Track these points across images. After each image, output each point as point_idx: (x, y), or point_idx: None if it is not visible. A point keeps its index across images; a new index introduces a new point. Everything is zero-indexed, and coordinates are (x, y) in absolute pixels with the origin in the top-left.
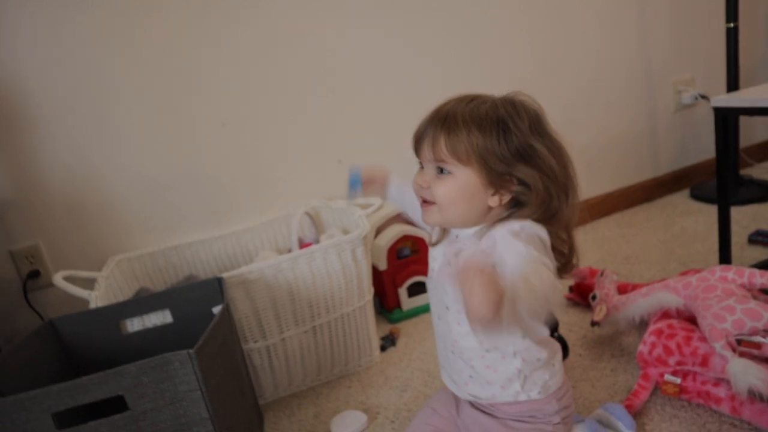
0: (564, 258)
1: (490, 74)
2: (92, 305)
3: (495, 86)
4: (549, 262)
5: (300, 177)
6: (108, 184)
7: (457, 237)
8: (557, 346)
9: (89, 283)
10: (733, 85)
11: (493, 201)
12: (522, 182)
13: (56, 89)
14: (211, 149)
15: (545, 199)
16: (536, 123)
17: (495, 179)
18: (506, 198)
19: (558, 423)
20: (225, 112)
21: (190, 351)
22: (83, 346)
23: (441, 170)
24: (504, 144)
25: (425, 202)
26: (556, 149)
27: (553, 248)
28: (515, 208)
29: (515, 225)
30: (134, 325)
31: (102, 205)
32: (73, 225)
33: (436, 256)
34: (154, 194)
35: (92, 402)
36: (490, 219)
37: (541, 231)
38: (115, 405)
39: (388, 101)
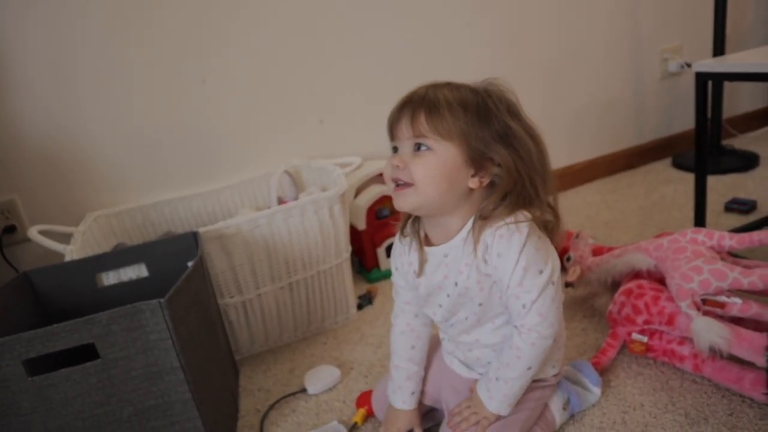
0: (548, 231)
1: (475, 36)
2: (68, 259)
3: (479, 48)
4: (548, 260)
5: (281, 136)
6: (87, 140)
7: (446, 256)
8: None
9: (66, 239)
10: (719, 53)
11: (473, 183)
12: (500, 164)
13: (34, 44)
14: (191, 106)
15: (518, 182)
16: (512, 106)
17: (476, 157)
18: (486, 180)
19: (553, 384)
20: (206, 69)
21: (161, 300)
22: (58, 299)
23: (419, 147)
24: (485, 123)
25: (398, 187)
26: (533, 132)
27: (538, 220)
28: (497, 197)
29: (502, 227)
30: (110, 278)
31: (81, 161)
32: (50, 180)
33: (432, 291)
34: (133, 150)
35: (64, 350)
36: (469, 207)
37: (525, 227)
38: (87, 354)
39: (371, 63)
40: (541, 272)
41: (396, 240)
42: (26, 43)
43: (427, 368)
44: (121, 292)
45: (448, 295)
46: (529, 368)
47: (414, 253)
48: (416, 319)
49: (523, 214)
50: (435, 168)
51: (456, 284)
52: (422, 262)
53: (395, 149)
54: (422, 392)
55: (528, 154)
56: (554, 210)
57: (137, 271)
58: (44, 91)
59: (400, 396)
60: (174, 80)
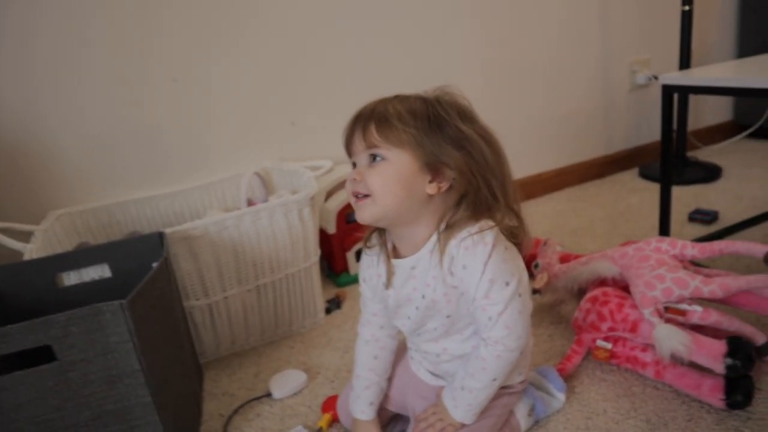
0: (514, 237)
1: (448, 46)
2: (27, 258)
3: (451, 57)
4: (515, 271)
5: (253, 138)
6: (51, 136)
7: (413, 268)
8: None
9: (26, 237)
10: (685, 66)
11: (431, 188)
12: (454, 167)
13: (5, 33)
14: (162, 105)
15: (473, 184)
16: (464, 111)
17: (430, 162)
18: (444, 186)
19: (519, 391)
20: (177, 68)
21: (123, 301)
22: (16, 299)
23: (374, 158)
24: (436, 127)
25: (358, 199)
26: (487, 135)
27: (503, 227)
28: (453, 200)
29: (467, 239)
30: (71, 278)
31: (44, 157)
32: (11, 177)
33: (401, 303)
34: (100, 148)
35: (20, 352)
36: (431, 215)
37: (490, 237)
38: (43, 356)
39: (345, 67)
40: (507, 284)
41: (363, 252)
42: (4, 35)
43: (392, 374)
44: (82, 293)
45: (416, 308)
46: (495, 379)
47: (382, 265)
48: (382, 330)
49: (487, 223)
50: (390, 176)
51: (423, 297)
52: (390, 275)
53: (354, 165)
54: (387, 397)
55: (482, 156)
56: (518, 215)
57: (100, 272)
58: (6, 87)
59: (359, 405)
60: (144, 78)
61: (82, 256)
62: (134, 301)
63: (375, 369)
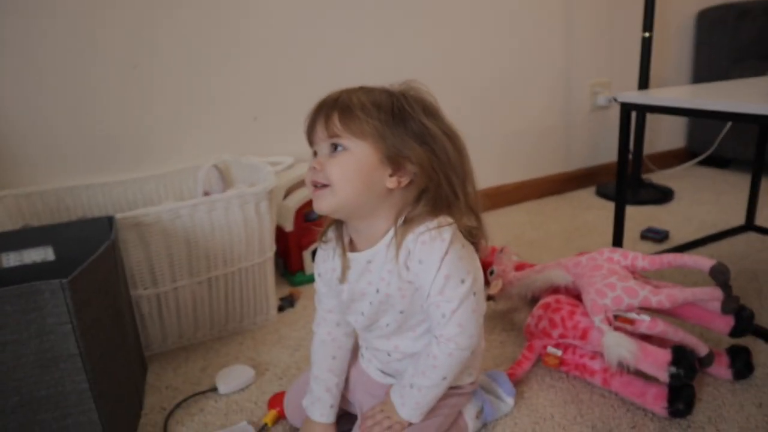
0: (472, 238)
1: (404, 51)
2: None
3: (407, 62)
4: (470, 269)
5: (213, 130)
6: (3, 114)
7: (369, 262)
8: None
9: None
10: (643, 89)
11: (391, 182)
12: (416, 162)
13: None
14: (121, 90)
15: (433, 179)
16: (429, 106)
17: (391, 155)
18: (405, 181)
19: (469, 392)
20: (138, 54)
21: (63, 281)
22: None
23: (335, 148)
24: (400, 121)
25: (316, 189)
26: (452, 133)
27: (461, 226)
28: (412, 195)
29: (425, 233)
30: (10, 259)
31: None
32: None
33: (355, 298)
34: (50, 130)
35: None
36: (390, 209)
37: (448, 233)
38: None
39: (309, 64)
40: (462, 281)
41: (318, 245)
42: None
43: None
44: (22, 276)
45: (370, 303)
46: (444, 378)
47: (337, 259)
48: (338, 328)
49: (446, 219)
50: (350, 167)
51: (378, 291)
52: (345, 268)
53: (315, 154)
54: None
55: (444, 152)
56: (477, 215)
57: (42, 254)
58: None
59: (318, 408)
60: (104, 62)
61: (24, 237)
62: (76, 282)
63: (334, 369)
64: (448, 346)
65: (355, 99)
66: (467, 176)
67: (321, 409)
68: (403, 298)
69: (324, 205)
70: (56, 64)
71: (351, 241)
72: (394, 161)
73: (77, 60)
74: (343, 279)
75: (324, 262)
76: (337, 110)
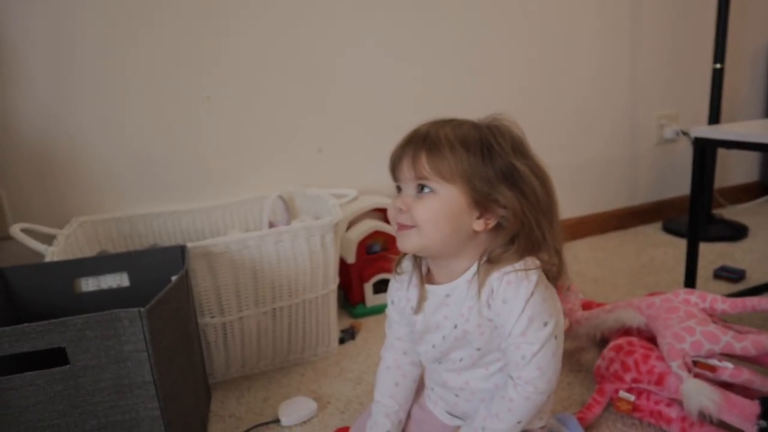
0: (551, 277)
1: (483, 81)
2: (47, 260)
3: (482, 103)
4: (553, 312)
5: (278, 161)
6: (82, 142)
7: (448, 296)
8: None
9: (48, 240)
10: (714, 122)
11: (479, 225)
12: (505, 206)
13: (36, 38)
14: (193, 120)
15: (525, 224)
16: (518, 144)
17: (480, 199)
18: (492, 223)
19: None
20: (211, 86)
21: (141, 309)
22: (33, 301)
23: (422, 188)
24: (489, 162)
25: (401, 227)
26: (540, 172)
27: (544, 266)
28: (503, 240)
29: (511, 273)
30: (89, 284)
31: (73, 163)
32: (39, 179)
33: (429, 329)
34: (127, 158)
35: (33, 352)
36: (475, 249)
37: (535, 275)
38: (55, 359)
39: (375, 97)
40: (545, 324)
41: (393, 275)
42: (28, 36)
43: (409, 412)
44: (99, 300)
45: (444, 337)
46: (519, 422)
47: (413, 289)
48: (405, 356)
49: (533, 261)
50: (438, 211)
51: (456, 327)
52: (422, 300)
53: (399, 188)
54: None
55: (534, 195)
56: (559, 254)
57: (118, 280)
58: (43, 87)
59: None
60: (178, 93)
61: (101, 263)
62: (153, 311)
63: (395, 396)
64: (526, 389)
65: (443, 137)
66: (554, 217)
67: None
68: (482, 336)
69: (408, 245)
70: (132, 95)
71: (429, 272)
72: (482, 204)
73: (154, 91)
74: (418, 310)
75: (398, 291)
76: (425, 150)
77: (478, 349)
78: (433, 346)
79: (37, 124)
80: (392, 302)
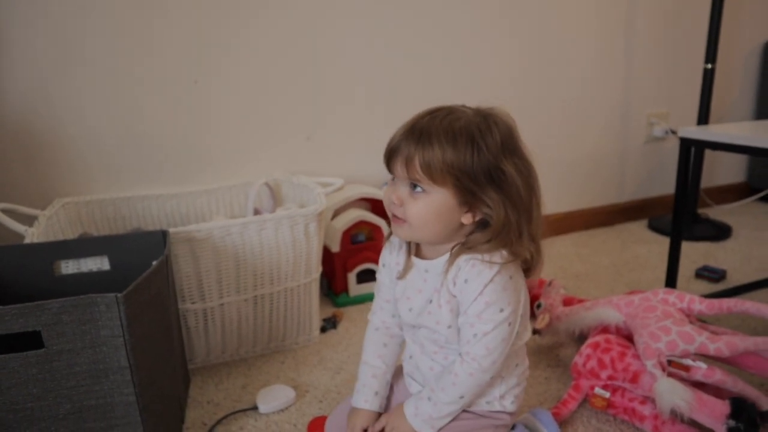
0: (527, 264)
1: (476, 70)
2: (27, 242)
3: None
4: (512, 301)
5: (266, 148)
6: (66, 123)
7: (426, 271)
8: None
9: (29, 221)
10: (703, 123)
11: (467, 218)
12: (490, 206)
13: (26, 17)
14: (180, 105)
15: (505, 225)
16: (508, 140)
17: (469, 198)
18: (478, 216)
19: (508, 424)
20: (200, 70)
21: (118, 295)
22: (12, 282)
23: (414, 186)
24: (478, 165)
25: (395, 217)
26: (525, 169)
27: (518, 255)
28: (486, 236)
29: (477, 259)
30: (69, 267)
31: (56, 143)
32: (22, 159)
33: (410, 295)
34: (113, 141)
35: (8, 335)
36: (461, 237)
37: (499, 263)
38: (30, 343)
39: (364, 87)
40: (502, 310)
41: (385, 239)
42: (11, 15)
43: (391, 393)
44: (78, 283)
45: (420, 305)
46: (462, 397)
47: (402, 255)
48: (392, 319)
49: (502, 255)
50: (429, 212)
51: (430, 301)
52: (407, 268)
53: (393, 177)
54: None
55: (518, 195)
56: (537, 246)
57: (98, 263)
58: (30, 66)
59: (363, 394)
60: (166, 76)
61: (82, 246)
62: (130, 296)
63: (383, 356)
64: (472, 366)
65: (435, 139)
66: (532, 212)
67: (365, 395)
68: (451, 312)
69: (401, 235)
70: (118, 76)
71: (417, 246)
72: (470, 203)
73: (139, 71)
74: (402, 276)
75: (390, 253)
76: (418, 151)
77: (449, 327)
78: (410, 310)
79: (20, 103)
80: (383, 265)
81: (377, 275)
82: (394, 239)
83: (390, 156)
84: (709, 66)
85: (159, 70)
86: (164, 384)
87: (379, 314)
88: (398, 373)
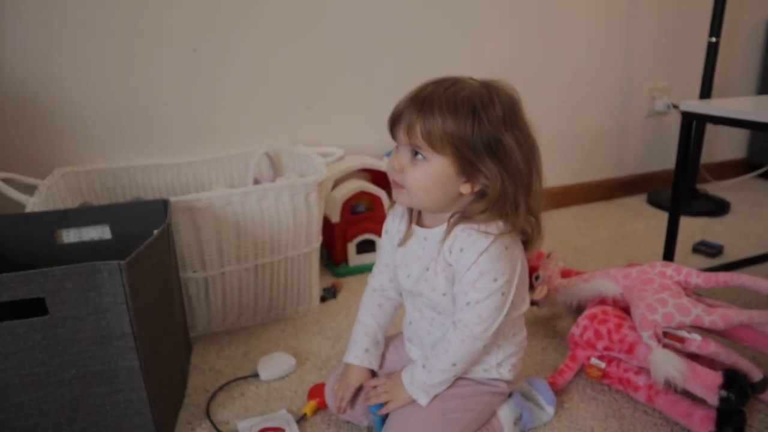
0: (526, 237)
1: (473, 54)
2: (28, 211)
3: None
4: (506, 271)
5: (266, 118)
6: (65, 93)
7: (425, 239)
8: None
9: (30, 190)
10: (705, 97)
11: (465, 188)
12: (488, 177)
13: None
14: (179, 73)
15: (501, 196)
16: (510, 113)
17: (467, 168)
18: (477, 187)
19: (504, 392)
20: (198, 38)
21: (121, 262)
22: (14, 251)
23: (416, 153)
24: (478, 135)
25: (395, 183)
26: (526, 142)
27: (517, 229)
28: (483, 205)
29: (473, 229)
30: (70, 236)
31: (56, 112)
32: (22, 128)
33: (408, 262)
34: (111, 111)
35: (11, 302)
36: (460, 206)
37: (495, 233)
38: (35, 309)
39: (365, 57)
40: (495, 280)
41: (389, 206)
42: None
43: (385, 353)
44: (80, 252)
45: (418, 272)
46: (454, 365)
47: (404, 223)
48: (390, 282)
49: (499, 226)
50: (428, 178)
51: (427, 269)
52: (407, 236)
53: (397, 145)
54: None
55: (517, 167)
56: (537, 219)
57: (100, 232)
58: (26, 34)
59: (353, 351)
60: (164, 44)
61: (83, 215)
62: (133, 264)
63: (376, 316)
64: (464, 332)
65: (437, 108)
66: (531, 186)
67: (356, 351)
68: (446, 280)
69: (401, 201)
70: (118, 43)
71: (420, 213)
72: (469, 172)
73: (139, 40)
74: (402, 243)
75: (393, 220)
76: (420, 119)
77: (444, 294)
78: (408, 276)
79: (18, 72)
80: (386, 231)
81: (380, 240)
82: (398, 207)
83: (393, 122)
84: (714, 39)
85: (158, 39)
86: (167, 350)
87: (377, 277)
88: (399, 338)
